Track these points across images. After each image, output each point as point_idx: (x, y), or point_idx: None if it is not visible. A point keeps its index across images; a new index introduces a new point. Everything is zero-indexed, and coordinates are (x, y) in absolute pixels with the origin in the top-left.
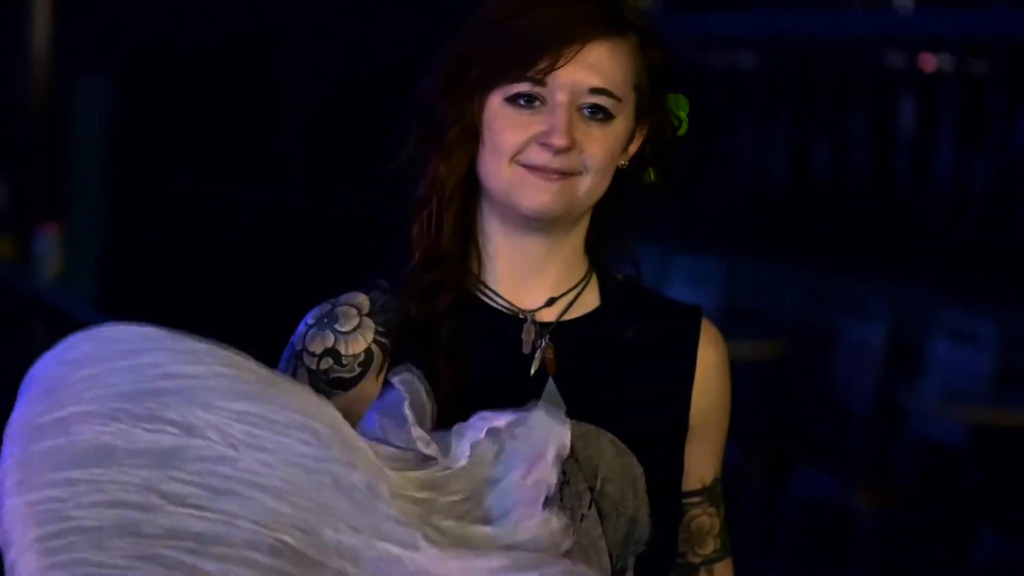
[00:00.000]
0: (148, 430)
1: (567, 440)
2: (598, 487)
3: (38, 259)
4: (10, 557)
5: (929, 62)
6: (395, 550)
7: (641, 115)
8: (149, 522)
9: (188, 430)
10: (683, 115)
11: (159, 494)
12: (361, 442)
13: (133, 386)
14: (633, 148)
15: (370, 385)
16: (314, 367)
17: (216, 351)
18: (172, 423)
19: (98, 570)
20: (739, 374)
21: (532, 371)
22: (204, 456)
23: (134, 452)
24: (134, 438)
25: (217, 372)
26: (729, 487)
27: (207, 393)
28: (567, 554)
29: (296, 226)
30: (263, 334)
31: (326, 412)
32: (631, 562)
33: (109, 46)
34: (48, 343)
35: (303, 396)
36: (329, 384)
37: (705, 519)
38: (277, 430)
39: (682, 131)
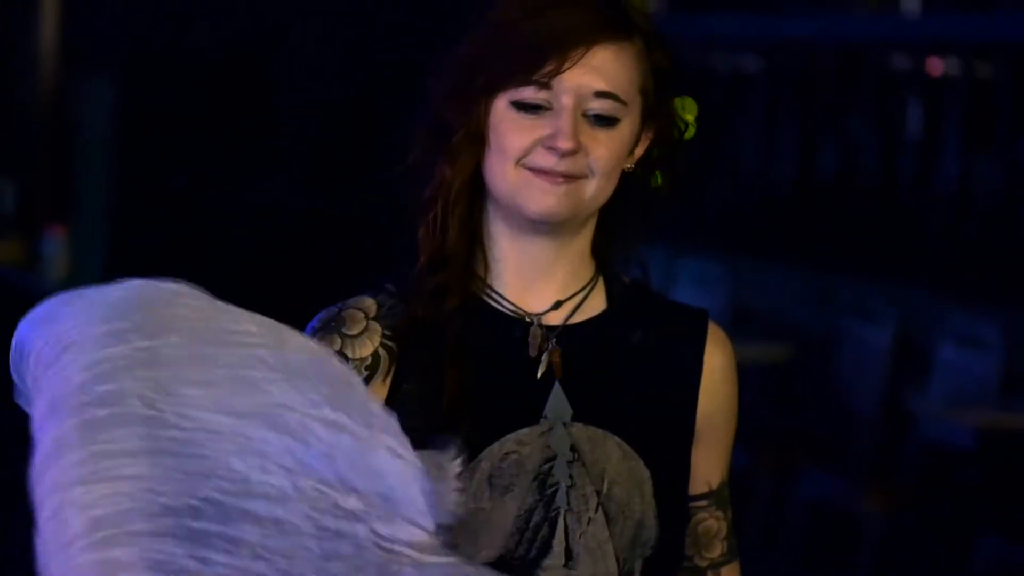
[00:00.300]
0: (74, 415)
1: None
2: (605, 490)
3: (45, 261)
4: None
5: (935, 65)
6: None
7: (647, 118)
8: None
9: (105, 404)
10: (691, 118)
11: (94, 475)
12: None
13: (63, 387)
14: (639, 151)
15: (377, 388)
16: None
17: (141, 327)
18: (93, 403)
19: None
20: (745, 377)
21: (539, 374)
22: (123, 423)
23: (71, 436)
24: (68, 428)
25: (136, 347)
26: (735, 490)
27: (123, 370)
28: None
29: (302, 228)
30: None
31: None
32: (638, 565)
33: (115, 48)
34: None
35: (243, 336)
36: None
37: (712, 523)
38: (203, 385)
39: (690, 134)
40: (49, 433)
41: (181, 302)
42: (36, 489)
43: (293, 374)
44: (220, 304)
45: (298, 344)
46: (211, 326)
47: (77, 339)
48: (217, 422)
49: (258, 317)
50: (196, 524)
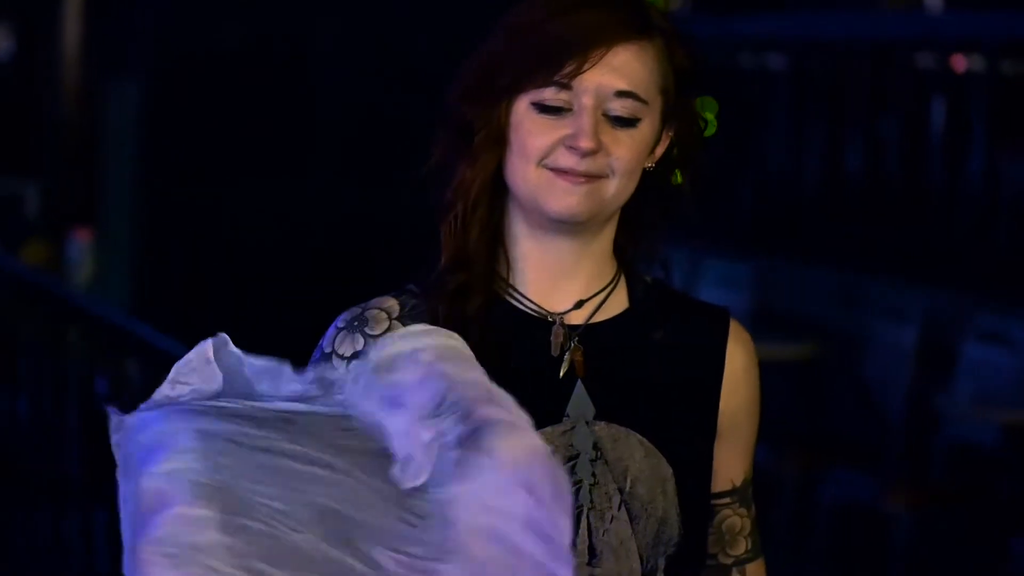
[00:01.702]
0: (343, 554)
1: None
2: (628, 488)
3: (71, 264)
4: None
5: (960, 63)
6: None
7: (668, 117)
8: None
9: (371, 565)
10: (711, 117)
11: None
12: None
13: (312, 498)
14: (660, 150)
15: None
16: (343, 370)
17: (385, 489)
18: (358, 556)
19: None
20: (771, 377)
21: (561, 373)
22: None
23: (328, 571)
24: (328, 555)
25: (392, 513)
26: (762, 490)
27: (383, 535)
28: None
29: (328, 229)
30: (294, 337)
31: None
32: (661, 563)
33: (141, 51)
34: (81, 348)
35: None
36: None
37: (736, 520)
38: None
39: (709, 132)
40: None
41: None
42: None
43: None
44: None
45: None
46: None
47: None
48: None
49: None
50: None
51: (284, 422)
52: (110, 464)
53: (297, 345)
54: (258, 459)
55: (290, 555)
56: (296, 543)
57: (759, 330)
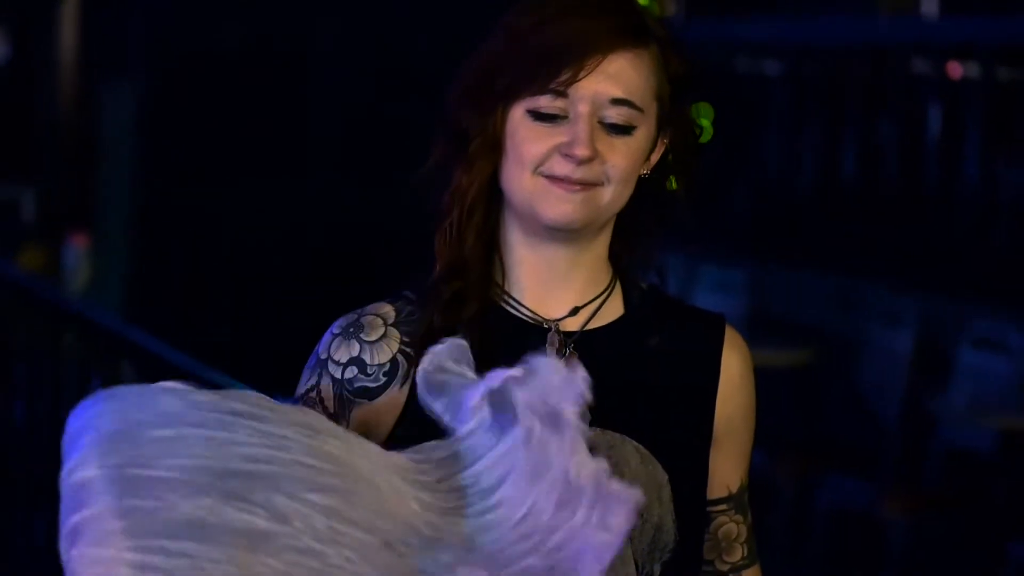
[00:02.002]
0: (238, 509)
1: (583, 391)
2: None
3: (67, 269)
4: None
5: (956, 69)
6: None
7: (663, 124)
8: None
9: (277, 517)
10: (706, 123)
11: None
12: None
13: (218, 463)
14: (655, 157)
15: (394, 395)
16: (339, 376)
17: (300, 440)
18: (261, 506)
19: None
20: (767, 382)
21: None
22: (295, 547)
23: (227, 531)
24: (225, 517)
25: (299, 461)
26: (757, 496)
27: (290, 482)
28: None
29: (325, 232)
30: (289, 343)
31: (400, 503)
32: (657, 569)
33: (137, 54)
34: (77, 354)
35: (382, 486)
36: (354, 393)
37: (732, 526)
38: (360, 527)
39: (706, 138)
40: (188, 505)
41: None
42: (147, 540)
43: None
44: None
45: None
46: (354, 460)
47: (225, 420)
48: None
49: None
50: None
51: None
52: None
53: (294, 349)
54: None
55: (186, 525)
56: (190, 512)
57: (755, 335)
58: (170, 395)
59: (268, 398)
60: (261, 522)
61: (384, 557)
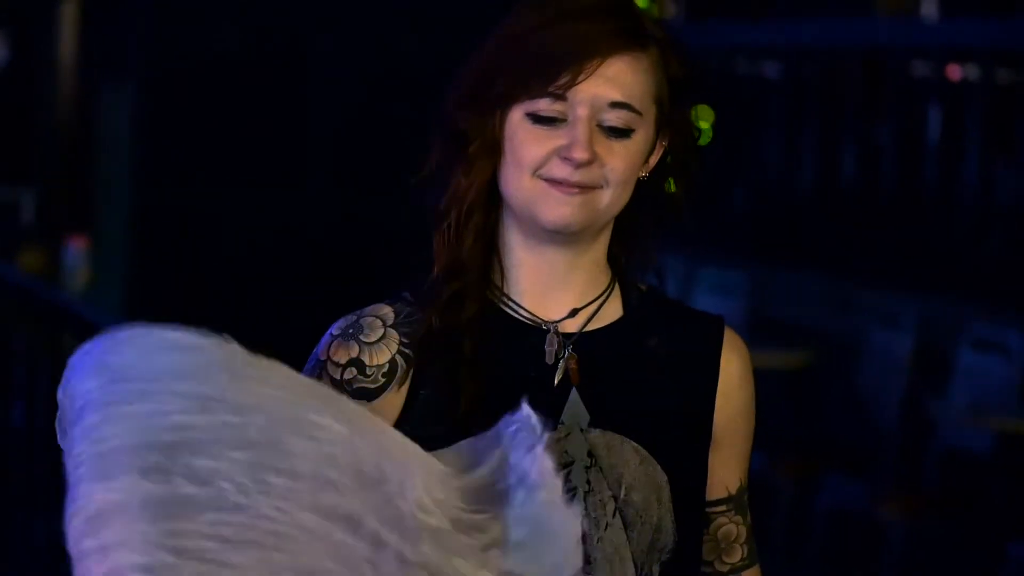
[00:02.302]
0: (156, 482)
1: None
2: (622, 496)
3: (67, 270)
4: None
5: (955, 72)
6: None
7: (662, 126)
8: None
9: (199, 480)
10: (706, 126)
11: (175, 552)
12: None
13: (138, 438)
14: (654, 159)
15: (393, 396)
16: (338, 377)
17: (225, 397)
18: (182, 474)
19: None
20: (765, 384)
21: (556, 381)
22: (219, 506)
23: (147, 505)
24: (145, 492)
25: (224, 422)
26: (756, 498)
27: (214, 444)
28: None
29: (325, 235)
30: (289, 344)
31: (347, 445)
32: (656, 570)
33: (137, 57)
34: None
35: (322, 431)
36: (353, 395)
37: (732, 527)
38: (289, 477)
39: (704, 141)
40: (101, 489)
41: (268, 377)
42: (78, 545)
43: (364, 484)
44: (303, 382)
45: (369, 452)
46: (296, 413)
47: (148, 388)
48: (308, 520)
49: (340, 405)
50: None
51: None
52: None
53: (293, 350)
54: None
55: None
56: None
57: (754, 337)
58: (128, 347)
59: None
60: (182, 489)
61: (324, 499)
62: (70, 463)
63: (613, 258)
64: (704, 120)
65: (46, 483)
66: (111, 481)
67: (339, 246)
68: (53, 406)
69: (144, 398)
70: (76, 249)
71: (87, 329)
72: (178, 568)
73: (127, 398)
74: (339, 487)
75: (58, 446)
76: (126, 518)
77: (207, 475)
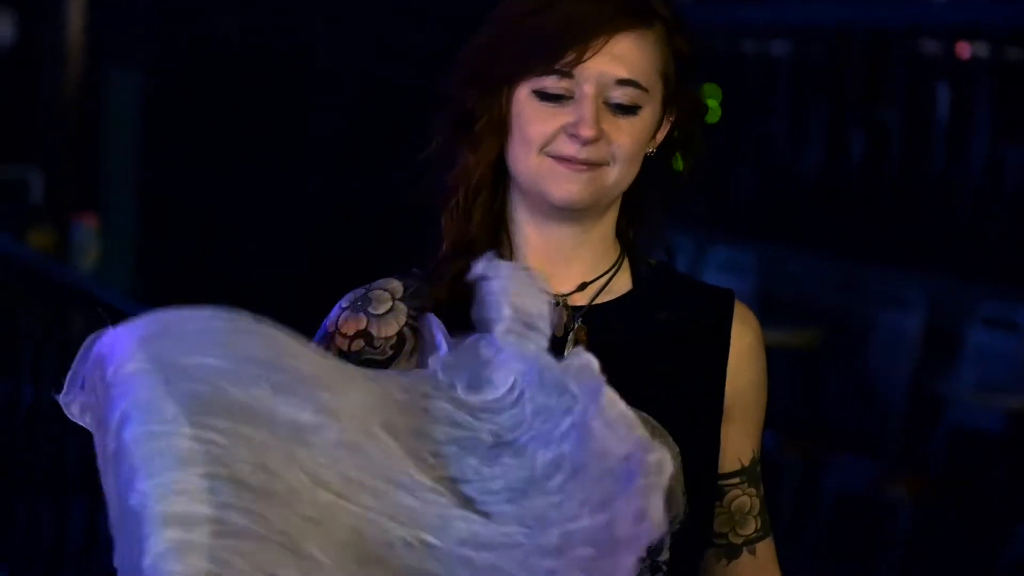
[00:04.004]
0: (287, 404)
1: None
2: None
3: (75, 249)
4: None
5: (964, 50)
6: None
7: (669, 103)
8: (294, 499)
9: (323, 412)
10: (714, 104)
11: (305, 471)
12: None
13: (265, 352)
14: (661, 136)
15: (401, 368)
16: (346, 349)
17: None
18: (309, 401)
19: (238, 535)
20: (774, 364)
21: (565, 354)
22: (340, 442)
23: (276, 421)
24: (274, 407)
25: (338, 366)
26: (763, 477)
27: (332, 383)
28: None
29: (329, 214)
30: (295, 321)
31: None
32: (666, 540)
33: (143, 38)
34: (86, 332)
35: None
36: (360, 366)
37: (745, 499)
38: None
39: (712, 119)
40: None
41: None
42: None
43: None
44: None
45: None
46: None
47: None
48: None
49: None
50: None
51: None
52: None
53: (298, 328)
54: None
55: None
56: (242, 398)
57: (763, 317)
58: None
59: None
60: (308, 416)
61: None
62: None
63: (622, 233)
64: (713, 98)
65: (53, 463)
66: (246, 388)
67: (345, 224)
68: (61, 387)
69: (255, 331)
70: (85, 227)
71: (96, 307)
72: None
73: (251, 330)
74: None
75: (65, 425)
76: (263, 423)
77: (333, 409)
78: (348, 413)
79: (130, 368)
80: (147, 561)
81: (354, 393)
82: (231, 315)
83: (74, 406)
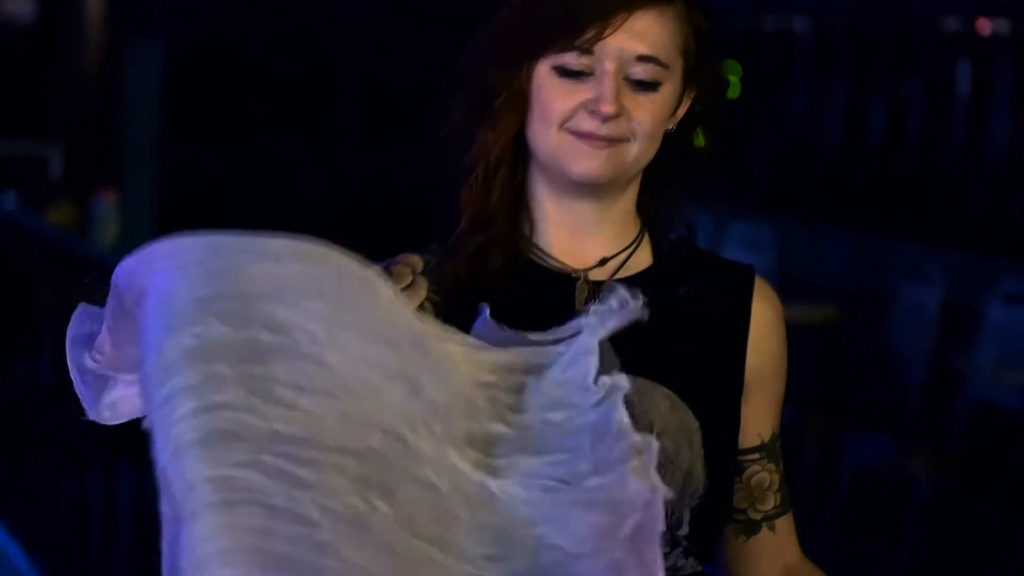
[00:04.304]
0: (237, 328)
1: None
2: None
3: (95, 224)
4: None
5: (985, 26)
6: (468, 470)
7: (689, 79)
8: (248, 426)
9: (275, 329)
10: (734, 80)
11: (256, 394)
12: (444, 346)
13: (216, 289)
14: (681, 112)
15: None
16: None
17: (295, 247)
18: (260, 323)
19: (204, 484)
20: (793, 340)
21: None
22: (294, 355)
23: (230, 351)
24: (223, 336)
25: (295, 271)
26: (782, 453)
27: (288, 293)
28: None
29: (349, 190)
30: None
31: (406, 317)
32: (686, 515)
33: (163, 12)
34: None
35: (382, 298)
36: None
37: (764, 475)
38: (356, 332)
39: (733, 94)
40: (176, 337)
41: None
42: (151, 398)
43: (417, 348)
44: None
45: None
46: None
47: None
48: (373, 376)
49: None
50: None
51: None
52: (133, 425)
53: None
54: None
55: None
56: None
57: (782, 293)
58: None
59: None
60: (263, 337)
61: (381, 363)
62: (140, 329)
63: (642, 209)
64: (732, 74)
65: (72, 438)
66: (189, 327)
67: (366, 200)
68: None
69: (213, 259)
70: (105, 203)
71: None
72: (256, 408)
73: (197, 262)
74: (398, 347)
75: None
76: (205, 360)
77: (283, 324)
78: (300, 324)
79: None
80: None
81: (315, 300)
82: (193, 246)
83: (87, 361)
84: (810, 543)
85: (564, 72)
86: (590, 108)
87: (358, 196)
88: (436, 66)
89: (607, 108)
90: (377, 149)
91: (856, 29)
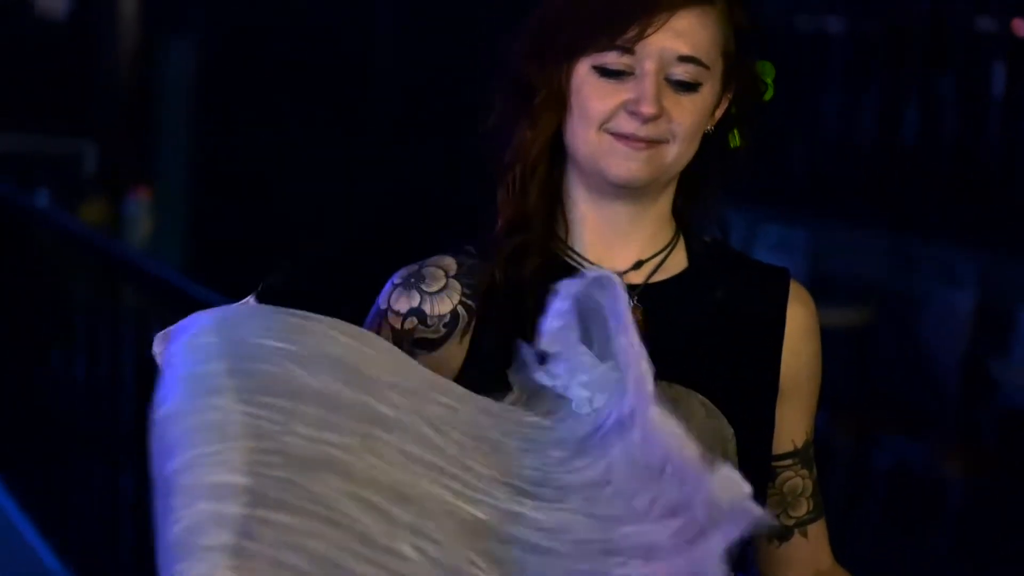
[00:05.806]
0: (365, 394)
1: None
2: None
3: (128, 222)
4: (203, 450)
5: (1021, 27)
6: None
7: (728, 80)
8: (353, 464)
9: (397, 407)
10: (768, 81)
11: (361, 438)
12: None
13: (338, 353)
14: (719, 113)
15: (455, 347)
16: (398, 327)
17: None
18: (385, 397)
19: (297, 500)
20: (826, 341)
21: None
22: (415, 431)
23: (352, 412)
24: (349, 399)
25: (420, 373)
26: (816, 456)
27: (409, 386)
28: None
29: (385, 185)
30: (350, 296)
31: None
32: None
33: (197, 9)
34: (138, 306)
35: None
36: (413, 344)
37: (798, 481)
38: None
39: (768, 96)
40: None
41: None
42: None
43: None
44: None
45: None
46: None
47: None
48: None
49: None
50: None
51: None
52: None
53: (351, 303)
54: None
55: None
56: (317, 385)
57: (815, 295)
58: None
59: None
60: (385, 409)
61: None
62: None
63: (677, 211)
64: (767, 76)
65: (106, 436)
66: (321, 377)
67: (399, 198)
68: (113, 359)
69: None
70: (138, 200)
71: (148, 280)
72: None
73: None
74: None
75: (116, 399)
76: (335, 408)
77: (405, 406)
78: (418, 408)
79: (200, 340)
80: (175, 531)
81: (431, 407)
82: (319, 318)
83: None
84: (844, 544)
85: (604, 72)
86: (630, 109)
87: (392, 192)
88: (466, 59)
89: (648, 109)
90: (415, 143)
91: (891, 29)
